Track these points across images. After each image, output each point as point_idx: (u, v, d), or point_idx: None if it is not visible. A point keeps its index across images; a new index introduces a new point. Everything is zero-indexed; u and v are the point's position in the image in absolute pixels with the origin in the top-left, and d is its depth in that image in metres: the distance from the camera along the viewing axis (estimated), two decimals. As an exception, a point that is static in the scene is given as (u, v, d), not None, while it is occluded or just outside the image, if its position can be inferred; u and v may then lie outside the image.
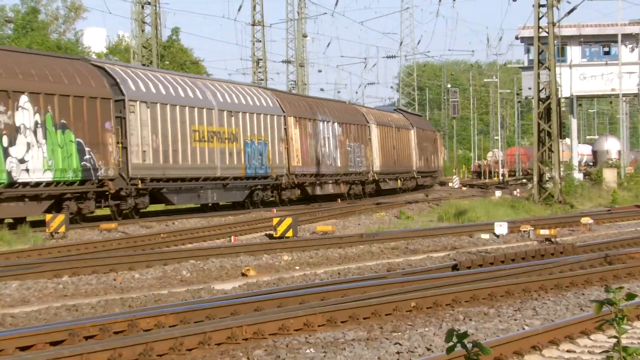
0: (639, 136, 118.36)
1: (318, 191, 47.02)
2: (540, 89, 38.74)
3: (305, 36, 77.92)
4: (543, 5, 38.78)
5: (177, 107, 35.51)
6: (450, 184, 76.59)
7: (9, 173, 27.66)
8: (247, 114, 40.44)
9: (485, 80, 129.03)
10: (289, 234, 24.22)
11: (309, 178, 45.79)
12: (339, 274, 17.28)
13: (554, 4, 38.57)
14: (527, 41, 56.65)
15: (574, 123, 62.48)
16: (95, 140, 30.93)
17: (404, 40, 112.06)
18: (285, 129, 43.59)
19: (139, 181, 32.83)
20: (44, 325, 11.53)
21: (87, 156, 30.60)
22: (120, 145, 32.18)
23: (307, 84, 78.13)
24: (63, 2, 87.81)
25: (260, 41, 67.49)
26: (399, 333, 11.17)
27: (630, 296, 6.40)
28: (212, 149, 37.50)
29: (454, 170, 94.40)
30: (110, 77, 32.70)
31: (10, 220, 28.26)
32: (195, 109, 36.66)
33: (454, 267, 17.04)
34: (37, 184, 28.73)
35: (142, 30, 50.58)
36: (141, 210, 34.06)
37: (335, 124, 49.40)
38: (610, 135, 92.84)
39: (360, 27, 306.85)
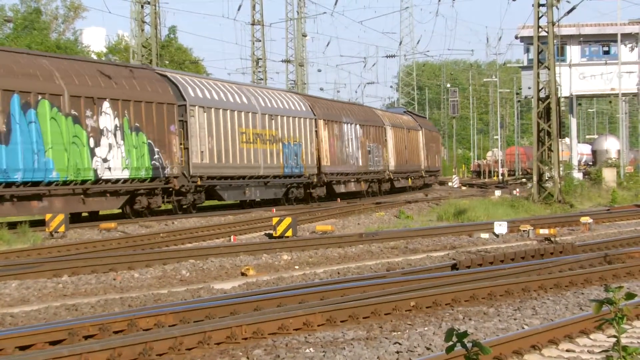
0: (638, 135, 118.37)
1: (342, 189, 50.04)
2: (540, 88, 38.74)
3: (304, 35, 77.92)
4: (543, 5, 38.78)
5: (228, 111, 38.89)
6: (449, 184, 76.63)
7: (95, 171, 31.16)
8: (285, 117, 43.94)
9: (484, 79, 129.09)
10: (289, 233, 24.22)
11: (336, 177, 49.12)
12: (338, 273, 17.27)
13: (554, 3, 38.57)
14: (526, 41, 56.69)
15: (573, 122, 62.51)
16: (162, 142, 34.51)
17: (404, 40, 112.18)
18: (316, 131, 46.92)
19: (198, 179, 36.24)
20: (44, 324, 11.53)
21: (156, 156, 34.16)
22: (182, 146, 35.56)
23: (306, 84, 78.15)
24: (62, 1, 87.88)
25: (259, 40, 67.50)
26: (399, 332, 11.17)
27: (629, 295, 6.40)
28: (256, 150, 40.99)
29: (453, 170, 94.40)
30: (173, 84, 36.13)
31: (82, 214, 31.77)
32: (242, 112, 40.10)
33: (454, 267, 17.04)
34: (116, 181, 32.16)
35: (142, 30, 50.57)
36: (197, 205, 37.28)
37: (357, 125, 52.76)
38: (610, 135, 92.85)
39: (360, 27, 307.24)
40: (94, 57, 74.31)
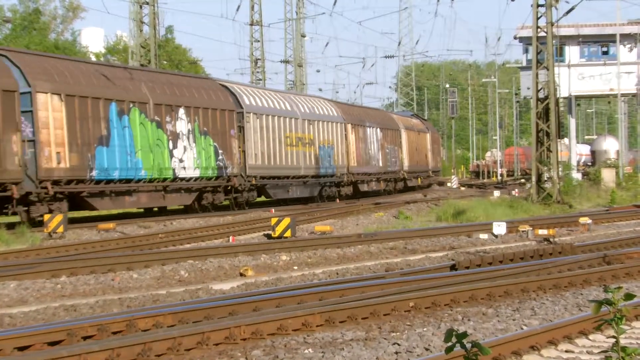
0: (637, 136, 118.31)
1: (365, 188, 54.26)
2: (539, 88, 38.73)
3: (303, 36, 77.89)
4: (542, 5, 38.77)
5: (275, 117, 43.34)
6: (448, 184, 76.65)
7: (174, 170, 35.51)
8: (320, 122, 48.26)
9: (483, 80, 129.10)
10: (287, 234, 24.21)
11: (361, 176, 53.52)
12: (337, 274, 17.26)
13: (553, 3, 38.56)
14: (525, 41, 56.67)
15: (572, 123, 62.49)
16: (224, 145, 38.91)
17: (403, 40, 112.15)
18: (345, 134, 51.34)
19: (253, 178, 40.58)
20: (42, 325, 11.51)
21: (220, 157, 38.56)
22: (240, 148, 39.89)
23: (305, 84, 78.11)
24: (61, 1, 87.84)
25: (258, 41, 67.50)
26: (398, 333, 11.16)
27: (628, 296, 6.39)
28: (297, 152, 45.29)
29: (452, 170, 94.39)
30: (232, 93, 40.57)
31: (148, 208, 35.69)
32: (287, 118, 44.52)
33: (453, 267, 17.03)
34: (189, 179, 36.51)
35: (140, 30, 50.57)
36: (250, 202, 41.29)
37: (378, 129, 57.28)
38: (609, 135, 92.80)
39: (359, 27, 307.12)
40: (93, 57, 74.30)
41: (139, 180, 33.42)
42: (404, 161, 62.81)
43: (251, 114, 40.95)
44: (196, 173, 36.80)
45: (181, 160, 35.93)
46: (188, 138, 36.56)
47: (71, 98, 30.69)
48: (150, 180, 34.07)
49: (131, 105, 33.42)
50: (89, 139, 31.36)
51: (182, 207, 38.00)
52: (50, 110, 29.83)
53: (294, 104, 46.30)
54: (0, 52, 30.27)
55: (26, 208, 29.07)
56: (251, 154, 40.60)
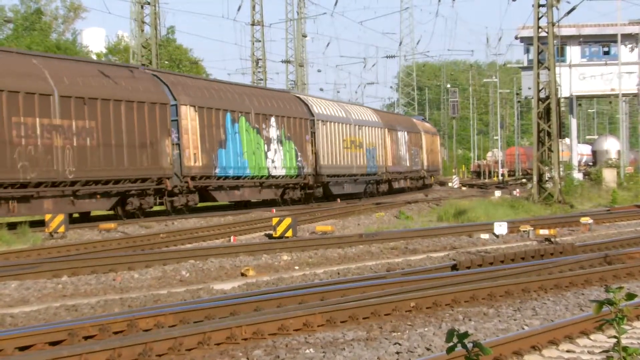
0: (638, 136, 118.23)
1: (396, 185, 60.86)
2: (540, 88, 38.71)
3: (304, 36, 77.90)
4: (543, 5, 38.76)
5: (336, 124, 49.83)
6: (449, 184, 76.65)
7: (268, 169, 42.36)
8: (366, 127, 54.68)
9: (484, 80, 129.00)
10: (289, 234, 24.20)
11: (395, 175, 60.28)
12: (338, 274, 17.26)
13: (554, 3, 38.54)
14: (526, 41, 56.65)
15: (573, 123, 62.45)
16: (301, 148, 45.85)
17: (404, 40, 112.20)
18: (384, 137, 57.68)
19: (322, 177, 47.15)
20: (44, 325, 11.52)
21: (299, 159, 45.36)
22: (312, 151, 46.64)
23: (306, 84, 78.13)
24: (62, 2, 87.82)
25: (259, 41, 67.49)
26: (399, 333, 11.16)
27: (630, 296, 6.39)
28: (351, 154, 51.60)
29: (453, 170, 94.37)
30: (304, 103, 47.55)
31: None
32: (343, 124, 50.99)
33: (454, 267, 17.03)
34: (278, 177, 43.39)
35: (142, 30, 50.57)
36: (317, 197, 47.52)
37: (405, 132, 63.75)
38: (610, 135, 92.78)
39: (360, 27, 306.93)
40: (94, 57, 74.30)
41: (244, 177, 40.44)
42: (424, 161, 69.20)
43: (320, 121, 47.71)
44: (283, 172, 43.72)
45: (273, 161, 42.87)
46: (277, 142, 43.53)
47: (202, 109, 37.51)
48: (252, 177, 41.11)
49: (239, 114, 40.39)
50: (213, 143, 38.14)
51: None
52: (189, 119, 36.59)
53: (346, 111, 53.12)
54: (153, 73, 36.85)
55: (171, 199, 35.34)
56: (322, 156, 47.48)
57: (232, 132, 39.59)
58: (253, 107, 41.65)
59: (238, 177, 39.89)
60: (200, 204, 39.54)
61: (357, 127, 52.85)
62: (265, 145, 42.35)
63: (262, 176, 41.76)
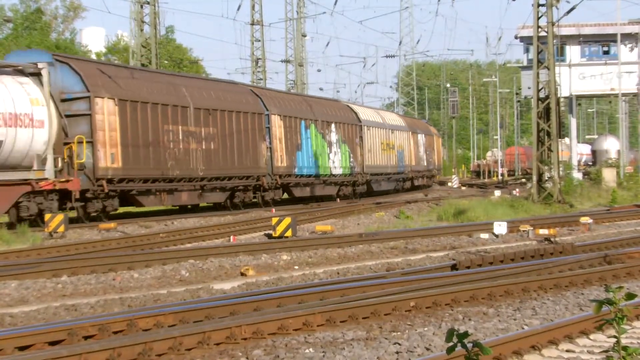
0: (638, 136, 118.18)
1: (416, 182, 67.15)
2: (540, 88, 38.71)
3: (304, 35, 77.89)
4: (542, 5, 38.75)
5: (376, 128, 56.88)
6: (449, 184, 76.65)
7: (330, 169, 49.14)
8: (397, 131, 61.69)
9: (484, 79, 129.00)
10: (288, 233, 24.19)
11: (416, 173, 66.97)
12: (338, 273, 17.26)
13: (553, 3, 38.53)
14: (526, 41, 56.63)
15: (573, 122, 62.44)
16: (353, 150, 52.60)
17: (403, 40, 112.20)
18: (409, 140, 64.54)
19: (368, 175, 54.12)
20: (43, 324, 11.52)
21: (351, 159, 52.11)
22: (360, 153, 53.27)
23: (306, 84, 78.13)
24: (62, 1, 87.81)
25: (259, 40, 67.48)
26: (398, 333, 11.15)
27: (629, 296, 6.39)
28: (386, 155, 58.36)
29: (453, 170, 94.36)
30: (353, 110, 54.60)
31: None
32: (381, 129, 57.94)
33: (453, 267, 17.03)
34: (336, 175, 50.17)
35: (141, 30, 50.57)
36: (360, 194, 53.30)
37: (423, 134, 70.66)
38: (610, 135, 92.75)
39: (360, 27, 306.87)
40: (94, 57, 74.26)
41: (314, 176, 47.10)
42: (435, 161, 76.07)
43: (365, 126, 54.38)
44: (340, 171, 50.45)
45: (333, 162, 49.54)
46: (336, 145, 50.20)
47: (285, 118, 44.37)
48: (318, 176, 47.57)
49: (310, 122, 47.23)
50: (293, 147, 44.91)
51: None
52: (277, 126, 43.50)
53: (382, 117, 60.11)
54: (250, 88, 44.51)
55: (263, 194, 41.69)
56: (368, 157, 54.07)
57: (305, 137, 46.57)
58: (319, 115, 48.76)
59: (309, 176, 46.66)
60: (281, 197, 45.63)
61: (390, 131, 59.84)
62: (328, 148, 49.24)
63: (326, 175, 48.68)
